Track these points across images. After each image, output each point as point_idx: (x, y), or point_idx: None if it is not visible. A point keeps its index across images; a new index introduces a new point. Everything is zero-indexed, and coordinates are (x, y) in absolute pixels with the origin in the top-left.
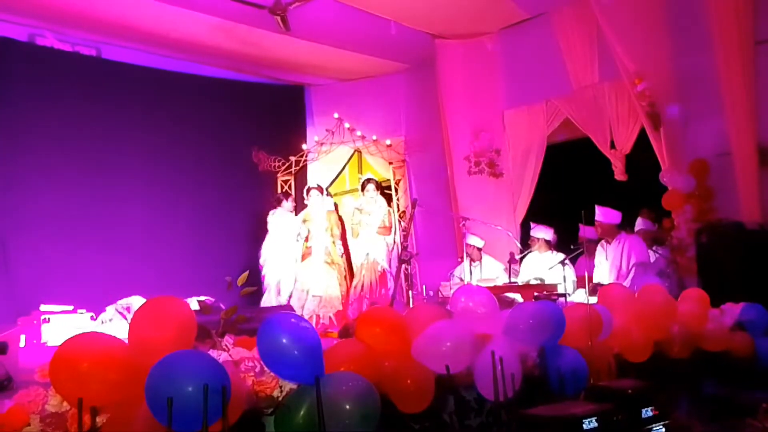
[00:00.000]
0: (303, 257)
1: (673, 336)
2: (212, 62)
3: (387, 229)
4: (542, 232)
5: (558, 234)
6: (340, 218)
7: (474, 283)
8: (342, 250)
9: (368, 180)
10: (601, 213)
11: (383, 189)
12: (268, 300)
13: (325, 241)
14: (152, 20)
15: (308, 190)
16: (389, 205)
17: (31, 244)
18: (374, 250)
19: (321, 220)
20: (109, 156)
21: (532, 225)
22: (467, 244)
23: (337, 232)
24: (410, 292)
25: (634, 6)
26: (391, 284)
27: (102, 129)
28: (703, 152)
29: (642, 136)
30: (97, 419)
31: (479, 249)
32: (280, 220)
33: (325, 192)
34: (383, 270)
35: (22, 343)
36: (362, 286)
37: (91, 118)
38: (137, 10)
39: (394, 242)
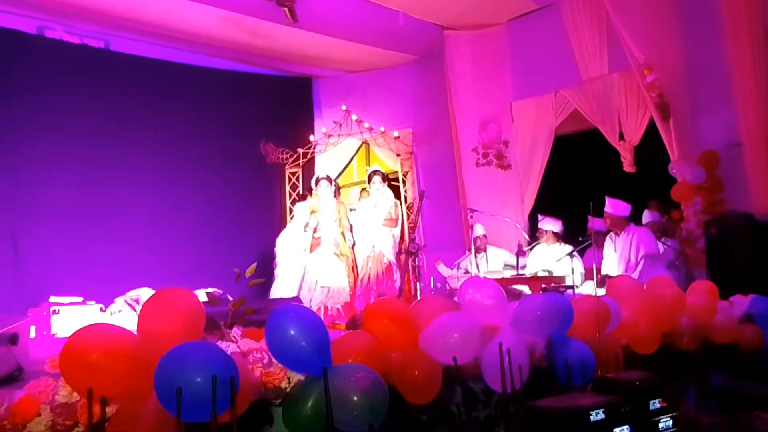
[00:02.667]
0: (311, 248)
1: (681, 328)
2: (220, 54)
3: (393, 221)
4: (550, 224)
5: (566, 226)
6: None
7: (481, 275)
8: (351, 242)
9: (375, 172)
10: (610, 204)
11: (390, 180)
12: (277, 290)
13: (334, 232)
14: (160, 12)
15: (317, 181)
16: (397, 197)
17: (40, 237)
18: (380, 242)
19: (330, 210)
20: (118, 148)
21: (540, 217)
22: (475, 237)
23: (347, 223)
24: (417, 284)
25: None
26: (397, 276)
27: (110, 121)
28: (713, 143)
29: (651, 128)
30: (107, 409)
31: (484, 236)
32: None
33: (333, 183)
34: (389, 262)
35: (32, 335)
36: (368, 278)
37: (100, 110)
38: (145, 2)
39: (402, 234)
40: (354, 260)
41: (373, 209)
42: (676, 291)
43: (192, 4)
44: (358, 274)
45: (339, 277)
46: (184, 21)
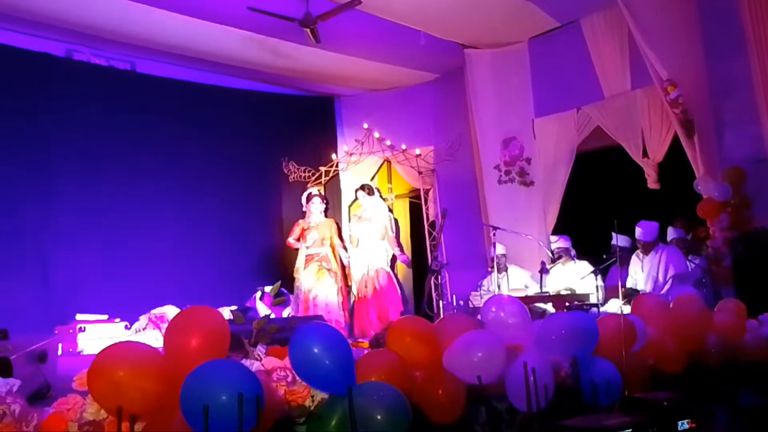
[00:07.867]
0: (305, 264)
1: (709, 347)
2: (244, 75)
3: (393, 240)
4: (561, 243)
5: (591, 243)
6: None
7: (504, 293)
8: (342, 259)
9: (360, 187)
10: (642, 232)
11: (377, 191)
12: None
13: (324, 249)
14: (185, 35)
15: (309, 197)
16: (418, 214)
17: (67, 256)
18: (375, 259)
19: (321, 228)
20: (143, 167)
21: (552, 239)
22: (497, 256)
23: (337, 241)
24: (440, 302)
25: (666, 12)
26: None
27: (136, 141)
28: (739, 159)
29: (675, 144)
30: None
31: (504, 255)
32: None
33: (324, 200)
34: (389, 276)
35: (59, 352)
36: (365, 296)
37: (126, 131)
38: (170, 25)
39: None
40: (343, 278)
41: (367, 225)
42: (702, 308)
43: (215, 26)
44: (348, 292)
45: (329, 293)
46: (207, 42)
